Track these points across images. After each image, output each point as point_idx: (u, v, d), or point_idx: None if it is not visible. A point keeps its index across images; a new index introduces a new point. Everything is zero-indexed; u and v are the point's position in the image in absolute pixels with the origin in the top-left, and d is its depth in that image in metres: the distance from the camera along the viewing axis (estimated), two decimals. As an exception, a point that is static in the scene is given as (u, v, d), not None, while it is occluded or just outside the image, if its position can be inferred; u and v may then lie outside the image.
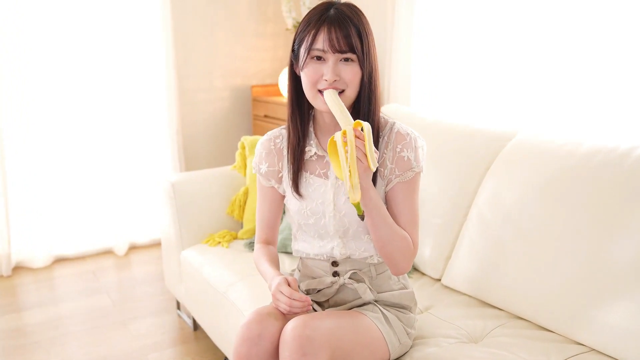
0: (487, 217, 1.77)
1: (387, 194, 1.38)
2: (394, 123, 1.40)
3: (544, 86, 2.20)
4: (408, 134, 1.37)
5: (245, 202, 2.34)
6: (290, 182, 1.42)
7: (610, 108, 1.99)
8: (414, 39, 2.70)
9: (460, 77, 2.58)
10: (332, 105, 1.26)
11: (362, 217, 1.27)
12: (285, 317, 1.35)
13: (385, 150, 1.37)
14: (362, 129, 1.19)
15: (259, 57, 3.67)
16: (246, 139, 2.41)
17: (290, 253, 2.13)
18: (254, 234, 2.27)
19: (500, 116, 2.39)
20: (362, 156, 1.18)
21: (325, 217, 1.40)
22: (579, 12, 2.03)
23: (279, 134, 1.48)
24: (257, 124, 3.55)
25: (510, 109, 2.35)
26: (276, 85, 3.63)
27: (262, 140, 1.50)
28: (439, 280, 1.91)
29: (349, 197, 1.20)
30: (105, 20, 3.09)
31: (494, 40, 2.38)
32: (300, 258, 1.53)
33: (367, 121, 1.33)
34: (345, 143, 1.18)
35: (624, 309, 1.39)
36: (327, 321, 1.28)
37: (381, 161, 1.37)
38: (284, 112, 3.25)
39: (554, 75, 2.16)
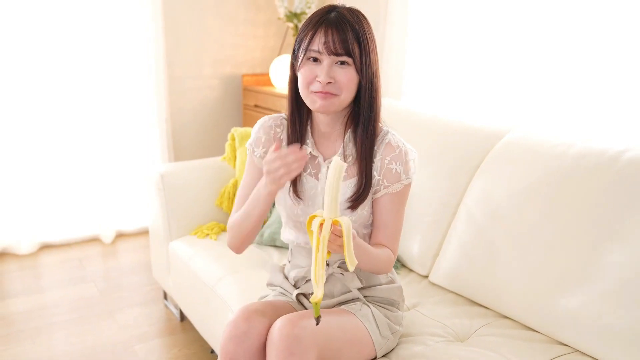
0: (476, 215, 1.78)
1: (373, 201, 1.39)
2: (387, 133, 1.39)
3: (537, 85, 2.21)
4: (398, 146, 1.37)
5: (234, 194, 2.33)
6: (289, 184, 1.41)
7: (601, 110, 2.00)
8: (407, 35, 2.69)
9: (453, 74, 2.58)
10: (331, 181, 1.13)
11: (317, 321, 1.20)
12: (273, 313, 1.36)
13: (374, 160, 1.37)
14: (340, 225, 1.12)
15: (250, 45, 3.63)
16: (236, 131, 2.39)
17: (279, 247, 2.13)
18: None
19: (493, 114, 2.39)
20: (339, 252, 1.16)
21: None
22: (572, 16, 2.04)
23: (280, 124, 1.46)
24: (248, 113, 3.53)
25: (503, 107, 2.36)
26: (267, 74, 3.60)
27: (263, 124, 1.46)
28: (427, 277, 1.92)
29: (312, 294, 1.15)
30: (95, 6, 3.04)
31: (488, 39, 2.38)
32: (290, 250, 1.53)
33: (367, 129, 1.34)
34: (319, 232, 1.11)
35: (609, 311, 1.41)
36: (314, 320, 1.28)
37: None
38: (274, 102, 3.23)
39: (547, 74, 2.16)
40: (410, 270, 1.98)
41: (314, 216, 1.16)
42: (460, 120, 2.04)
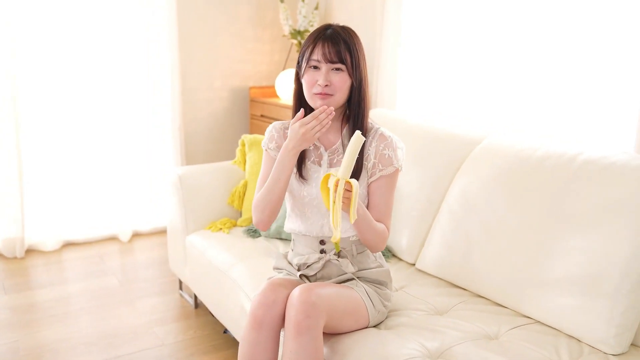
0: (456, 210, 2.04)
1: (370, 185, 1.66)
2: (379, 128, 1.68)
3: (512, 98, 2.51)
4: (390, 136, 1.66)
5: (244, 194, 2.60)
6: (295, 169, 1.69)
7: (563, 120, 2.30)
8: (400, 51, 2.98)
9: (441, 87, 2.87)
10: (351, 149, 1.43)
11: (338, 254, 1.62)
12: (292, 287, 1.61)
13: (369, 148, 1.66)
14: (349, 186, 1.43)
15: (257, 60, 3.92)
16: (246, 137, 2.67)
17: (284, 239, 2.40)
18: (252, 222, 2.53)
19: (474, 121, 2.68)
20: (346, 209, 1.46)
21: (318, 198, 1.67)
22: (539, 44, 2.36)
23: (288, 126, 1.75)
24: (254, 123, 3.81)
25: (483, 115, 2.66)
26: (272, 87, 3.89)
27: (275, 125, 1.75)
28: (414, 264, 2.19)
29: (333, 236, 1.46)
30: (118, 23, 3.35)
31: (470, 57, 2.69)
32: (293, 240, 1.79)
33: (357, 123, 1.63)
34: (335, 188, 1.41)
35: (562, 289, 1.67)
36: (327, 290, 1.54)
37: (366, 156, 1.66)
38: (279, 113, 3.51)
39: (521, 89, 2.46)
40: (400, 259, 2.25)
41: (329, 175, 1.46)
42: (445, 128, 2.31)
